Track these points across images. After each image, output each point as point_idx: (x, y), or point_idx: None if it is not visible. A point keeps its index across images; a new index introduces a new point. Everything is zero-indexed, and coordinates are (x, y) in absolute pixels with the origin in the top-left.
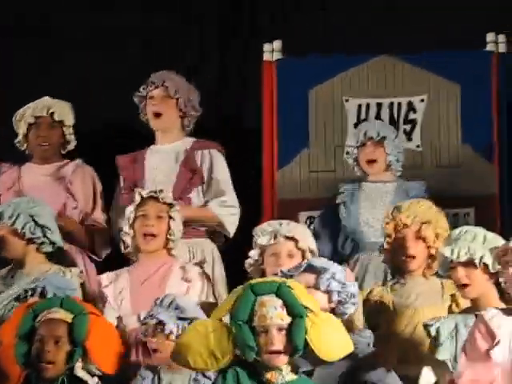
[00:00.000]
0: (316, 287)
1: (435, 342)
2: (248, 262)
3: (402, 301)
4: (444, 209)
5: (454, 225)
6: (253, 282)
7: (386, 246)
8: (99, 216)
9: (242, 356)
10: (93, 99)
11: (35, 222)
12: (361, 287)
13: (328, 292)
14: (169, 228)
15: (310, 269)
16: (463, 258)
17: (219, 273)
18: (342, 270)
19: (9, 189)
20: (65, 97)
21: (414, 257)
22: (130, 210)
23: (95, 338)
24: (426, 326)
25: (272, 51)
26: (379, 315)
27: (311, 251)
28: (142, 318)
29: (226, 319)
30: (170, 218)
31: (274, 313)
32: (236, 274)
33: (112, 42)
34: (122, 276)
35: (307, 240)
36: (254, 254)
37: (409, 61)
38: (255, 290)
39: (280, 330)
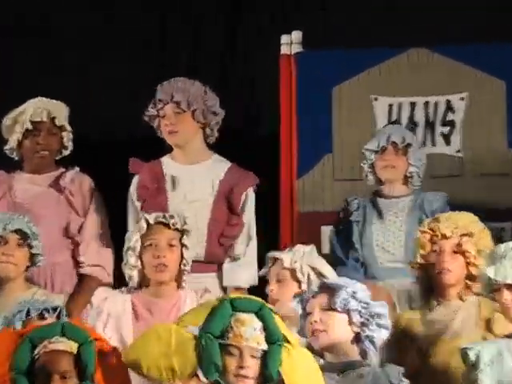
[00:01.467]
0: (332, 307)
1: (474, 368)
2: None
3: (435, 329)
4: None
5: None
6: (232, 296)
7: (418, 259)
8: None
9: (203, 375)
10: (92, 99)
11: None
12: None
13: (347, 312)
14: (182, 258)
15: (325, 289)
16: (510, 280)
17: None
18: (365, 289)
19: None
20: (60, 97)
21: (449, 270)
22: (135, 239)
23: (104, 369)
24: (465, 351)
25: (290, 43)
26: (408, 346)
27: (318, 273)
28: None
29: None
30: (183, 246)
31: (252, 334)
32: None
33: (112, 41)
34: (124, 298)
35: (302, 259)
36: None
37: (447, 54)
38: (235, 304)
39: (253, 355)
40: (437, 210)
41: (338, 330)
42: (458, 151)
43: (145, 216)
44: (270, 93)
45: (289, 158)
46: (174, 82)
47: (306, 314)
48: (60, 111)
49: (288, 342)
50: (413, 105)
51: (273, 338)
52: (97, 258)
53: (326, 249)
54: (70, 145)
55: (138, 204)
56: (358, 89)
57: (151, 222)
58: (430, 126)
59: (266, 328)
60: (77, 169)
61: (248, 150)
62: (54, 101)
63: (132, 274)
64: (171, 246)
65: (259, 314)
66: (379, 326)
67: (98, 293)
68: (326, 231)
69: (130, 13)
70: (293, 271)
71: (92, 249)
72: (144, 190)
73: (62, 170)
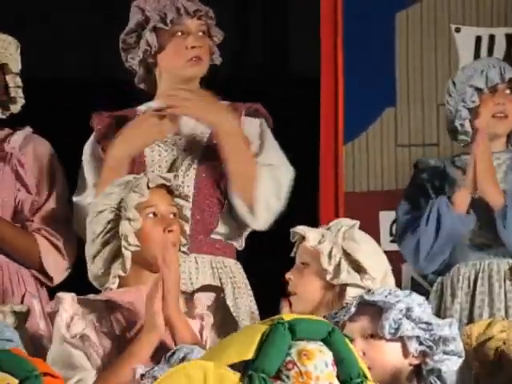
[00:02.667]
0: (378, 334)
1: None
2: None
3: None
4: None
5: None
6: (289, 317)
7: None
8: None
9: None
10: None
11: None
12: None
13: (400, 339)
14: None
15: (366, 308)
16: None
17: (247, 304)
18: (423, 303)
19: None
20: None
21: None
22: (131, 207)
23: None
24: None
25: None
26: (503, 368)
27: (352, 261)
28: (138, 374)
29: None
30: (182, 218)
31: (324, 371)
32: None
33: None
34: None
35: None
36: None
37: None
38: (296, 330)
39: None
40: None
41: (389, 364)
42: None
43: (147, 176)
44: (307, 22)
45: (332, 115)
46: None
47: None
48: (4, 45)
49: (366, 377)
50: (510, 38)
51: (349, 374)
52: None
53: (386, 244)
54: (19, 95)
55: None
56: (434, 15)
57: (151, 184)
58: None
59: (339, 361)
60: (28, 129)
61: (275, 101)
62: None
63: (127, 255)
64: (174, 215)
65: (329, 341)
66: (447, 353)
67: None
68: (387, 218)
69: None
70: (318, 254)
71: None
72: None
73: (8, 131)
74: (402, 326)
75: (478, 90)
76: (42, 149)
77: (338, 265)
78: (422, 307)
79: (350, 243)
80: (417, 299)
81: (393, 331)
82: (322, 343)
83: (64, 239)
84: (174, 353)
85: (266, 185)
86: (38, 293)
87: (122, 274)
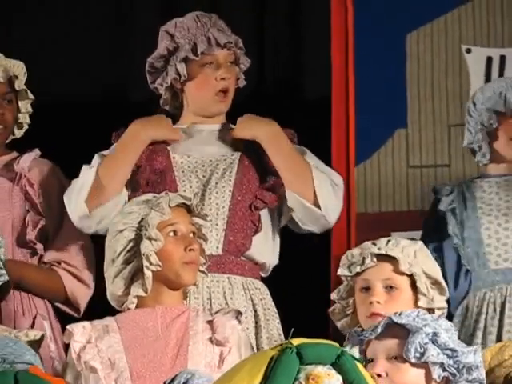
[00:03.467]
0: (403, 358)
1: None
2: (332, 308)
3: None
4: None
5: None
6: (297, 341)
7: None
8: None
9: None
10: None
11: None
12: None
13: (425, 364)
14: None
15: (393, 329)
16: None
17: (277, 327)
18: (451, 328)
19: None
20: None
21: None
22: (153, 225)
23: None
24: None
25: None
26: None
27: (433, 281)
28: None
29: None
30: (200, 237)
31: None
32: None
33: None
34: (108, 331)
35: (418, 261)
36: (337, 292)
37: None
38: (304, 353)
39: None
40: None
41: None
42: None
43: (167, 197)
44: (317, 41)
45: (343, 136)
46: (207, 18)
47: (365, 361)
48: (21, 72)
49: None
50: None
51: None
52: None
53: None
54: (26, 121)
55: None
56: (445, 36)
57: (171, 203)
58: None
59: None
60: (37, 151)
61: (285, 121)
62: (16, 60)
63: (149, 275)
64: (193, 234)
65: (338, 364)
66: (470, 381)
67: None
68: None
69: None
70: (410, 278)
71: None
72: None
73: (16, 153)
74: (428, 352)
75: (497, 113)
76: (51, 171)
77: (427, 289)
78: (449, 333)
79: (429, 264)
80: (444, 324)
81: (418, 355)
82: (330, 366)
83: (84, 267)
84: (173, 379)
85: (325, 184)
86: (48, 314)
87: (143, 295)
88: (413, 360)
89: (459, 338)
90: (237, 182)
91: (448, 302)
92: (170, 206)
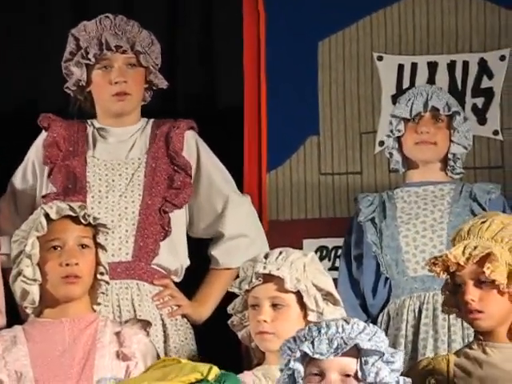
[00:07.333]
0: (359, 377)
1: None
2: (231, 320)
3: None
4: None
5: None
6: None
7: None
8: None
9: None
10: None
11: None
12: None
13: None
14: (97, 263)
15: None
16: None
17: (187, 342)
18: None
19: None
20: None
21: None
22: (31, 242)
23: None
24: None
25: None
26: None
27: (325, 292)
28: None
29: None
30: (98, 246)
31: None
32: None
33: None
34: (16, 342)
35: (307, 275)
36: (233, 305)
37: None
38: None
39: None
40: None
41: None
42: (497, 132)
43: (44, 208)
44: (228, 47)
45: (255, 143)
46: (109, 21)
47: (311, 374)
48: None
49: None
50: (433, 66)
51: None
52: None
53: None
54: None
55: (46, 168)
56: (356, 44)
57: (53, 216)
58: (457, 95)
59: None
60: None
61: (198, 129)
62: None
63: (31, 289)
64: (84, 247)
65: None
66: None
67: None
68: (310, 247)
69: None
70: (297, 294)
71: None
72: (55, 149)
73: None
74: (381, 372)
75: (404, 120)
76: None
77: (316, 302)
78: (398, 355)
79: (318, 276)
80: (386, 340)
81: (371, 375)
82: None
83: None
84: None
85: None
86: None
87: (30, 307)
88: (369, 379)
89: None
90: (146, 185)
91: (366, 309)
92: (52, 219)
